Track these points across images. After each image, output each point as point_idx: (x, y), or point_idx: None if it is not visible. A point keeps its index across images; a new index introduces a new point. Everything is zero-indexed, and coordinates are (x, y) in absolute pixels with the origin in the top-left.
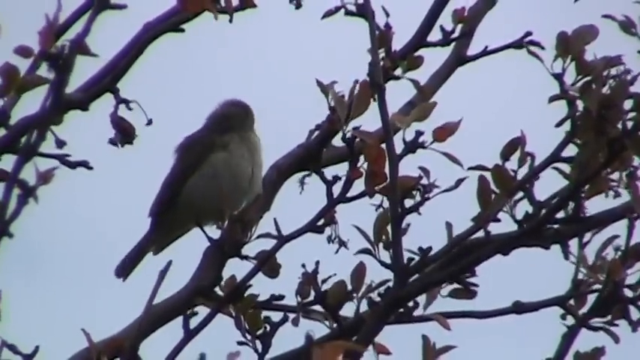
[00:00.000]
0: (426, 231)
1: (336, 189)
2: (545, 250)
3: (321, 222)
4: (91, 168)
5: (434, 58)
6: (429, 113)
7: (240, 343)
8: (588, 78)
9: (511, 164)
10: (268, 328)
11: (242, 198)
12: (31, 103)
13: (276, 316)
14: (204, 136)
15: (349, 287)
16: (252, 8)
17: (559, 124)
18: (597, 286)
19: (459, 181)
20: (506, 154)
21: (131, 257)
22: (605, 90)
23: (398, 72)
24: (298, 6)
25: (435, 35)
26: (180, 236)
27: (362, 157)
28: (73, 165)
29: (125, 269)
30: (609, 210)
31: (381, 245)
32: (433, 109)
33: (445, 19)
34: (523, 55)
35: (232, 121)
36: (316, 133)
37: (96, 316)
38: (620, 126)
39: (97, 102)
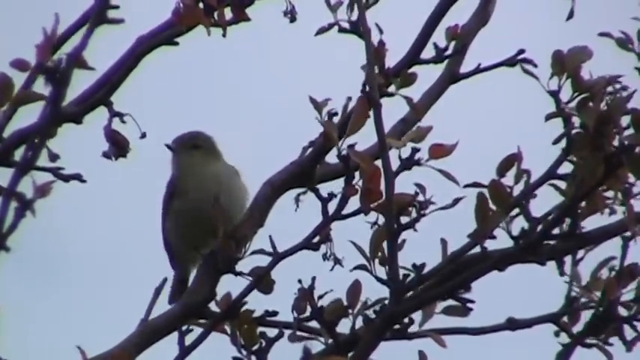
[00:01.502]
0: (423, 247)
1: (332, 206)
2: (541, 266)
3: (316, 239)
4: (84, 181)
5: (427, 75)
6: (425, 136)
7: (235, 359)
8: (585, 95)
9: (507, 180)
10: (264, 343)
11: (212, 229)
12: (24, 116)
13: (271, 331)
14: (169, 182)
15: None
16: (246, 22)
17: (556, 142)
18: (591, 304)
19: (456, 200)
20: (502, 171)
21: (175, 287)
22: (602, 106)
23: (391, 89)
24: (292, 20)
25: (428, 52)
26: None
27: (357, 174)
28: (66, 178)
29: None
30: (604, 227)
31: (377, 261)
32: (429, 132)
33: (438, 37)
34: (516, 72)
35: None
36: (310, 149)
37: (90, 331)
38: (616, 142)
39: (90, 115)
